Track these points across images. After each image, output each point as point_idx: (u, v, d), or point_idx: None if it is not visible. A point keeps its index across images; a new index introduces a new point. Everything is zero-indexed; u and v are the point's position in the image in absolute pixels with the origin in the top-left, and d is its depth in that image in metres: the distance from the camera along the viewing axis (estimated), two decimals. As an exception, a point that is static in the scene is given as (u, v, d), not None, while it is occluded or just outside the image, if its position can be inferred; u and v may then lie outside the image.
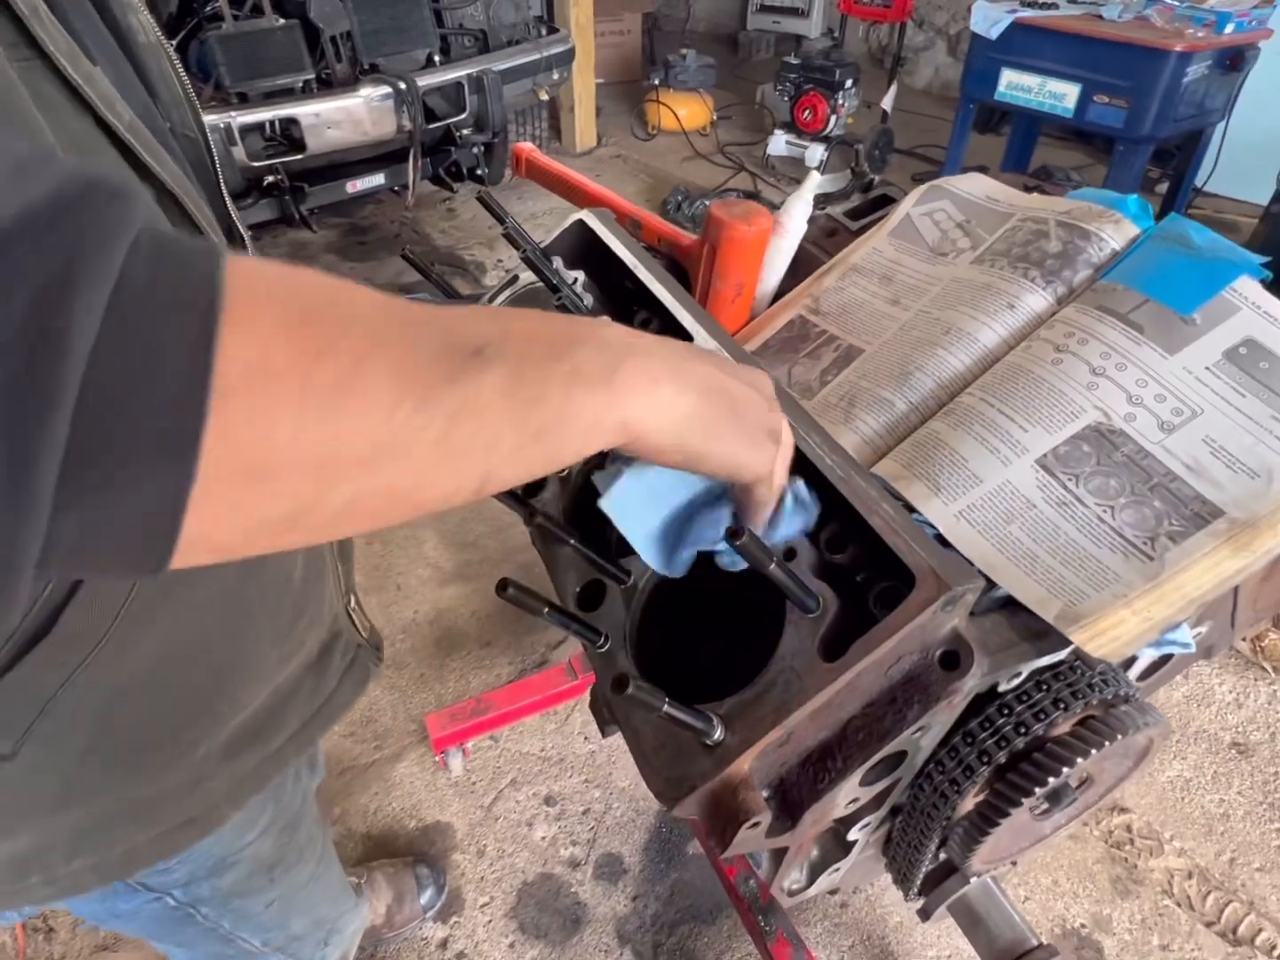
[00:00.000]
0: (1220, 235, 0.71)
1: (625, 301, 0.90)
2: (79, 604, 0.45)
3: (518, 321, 0.36)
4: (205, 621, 0.54)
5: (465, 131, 3.33)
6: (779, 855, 0.62)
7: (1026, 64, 3.03)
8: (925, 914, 0.76)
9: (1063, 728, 0.58)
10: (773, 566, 0.50)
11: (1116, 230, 0.75)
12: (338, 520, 0.30)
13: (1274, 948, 1.55)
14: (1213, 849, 1.70)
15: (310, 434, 0.27)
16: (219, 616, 0.55)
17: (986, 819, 0.59)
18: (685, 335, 0.76)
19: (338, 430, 0.28)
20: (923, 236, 0.87)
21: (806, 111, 4.33)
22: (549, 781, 1.78)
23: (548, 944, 1.53)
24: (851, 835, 0.64)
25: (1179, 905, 1.61)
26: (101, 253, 0.23)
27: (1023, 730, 0.56)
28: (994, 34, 3.04)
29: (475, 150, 3.50)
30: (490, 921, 1.56)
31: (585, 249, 0.94)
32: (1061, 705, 0.56)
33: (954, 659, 0.52)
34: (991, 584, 0.60)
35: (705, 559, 0.65)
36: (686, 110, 5.10)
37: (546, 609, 0.57)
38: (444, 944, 1.53)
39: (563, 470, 0.76)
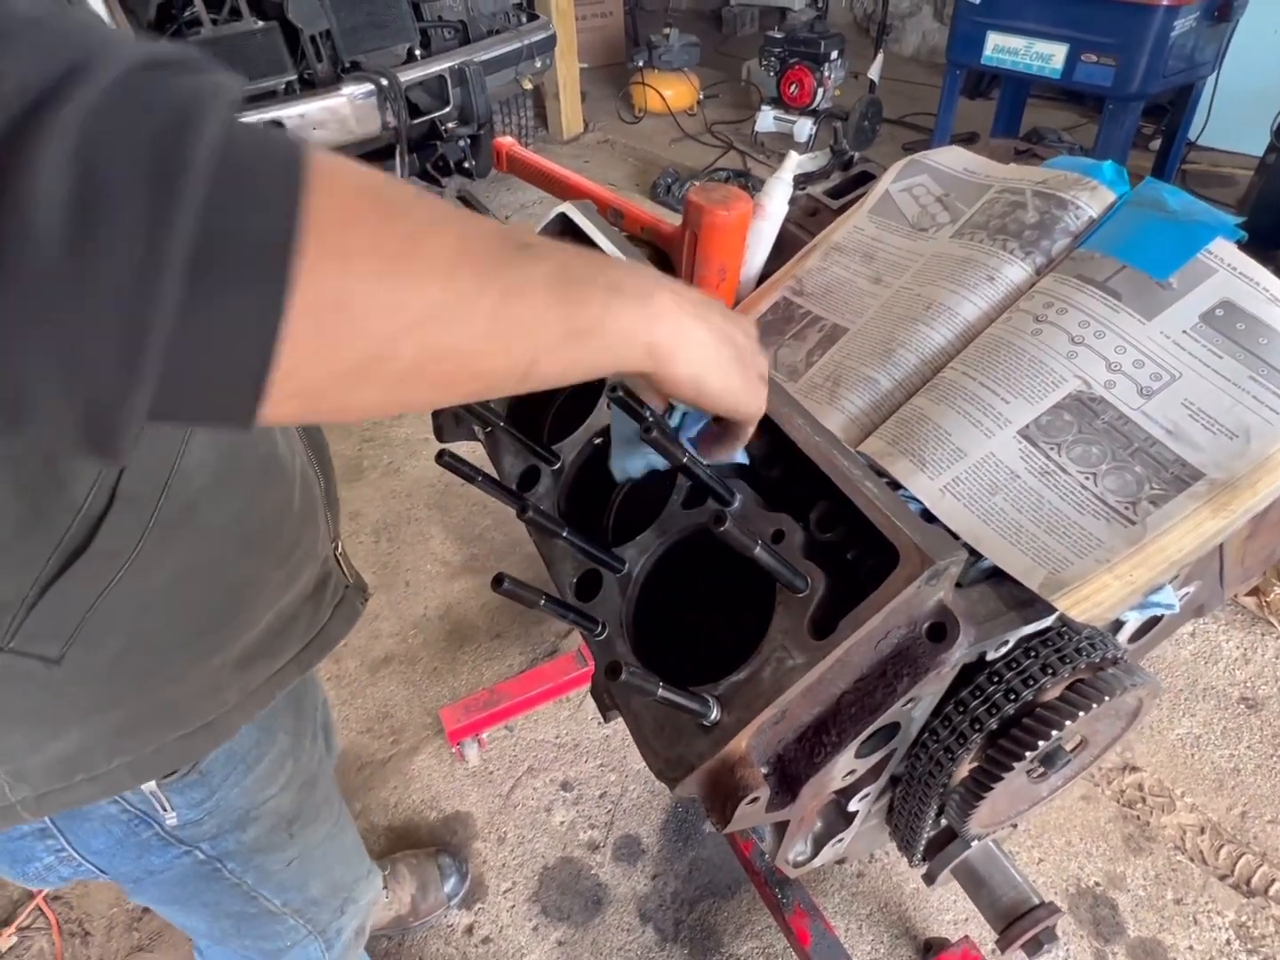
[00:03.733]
0: (1196, 198, 0.71)
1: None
2: (112, 523, 0.52)
3: (560, 245, 0.41)
4: (219, 543, 0.61)
5: (450, 125, 3.31)
6: (781, 829, 0.63)
7: (1012, 26, 2.99)
8: (930, 878, 0.77)
9: (1052, 692, 0.59)
10: (758, 550, 0.51)
11: (1093, 197, 0.76)
12: (408, 378, 0.34)
13: (1287, 897, 1.57)
14: (1224, 803, 1.72)
15: (383, 280, 0.31)
16: (231, 540, 0.62)
17: (981, 784, 0.60)
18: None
19: (406, 281, 0.32)
20: (902, 212, 0.87)
21: (793, 86, 4.29)
22: (565, 767, 1.81)
23: (571, 925, 1.56)
24: (852, 806, 0.65)
25: (1192, 860, 1.63)
26: (221, 99, 0.27)
27: (1012, 697, 0.57)
28: (978, -3, 3.00)
29: (461, 144, 3.49)
30: (513, 906, 1.59)
31: (569, 241, 0.94)
32: (1049, 671, 0.58)
33: (941, 631, 0.54)
34: (978, 555, 0.62)
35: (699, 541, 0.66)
36: (672, 91, 5.06)
37: (543, 600, 0.59)
38: (470, 930, 1.56)
39: (555, 462, 0.77)
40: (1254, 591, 1.99)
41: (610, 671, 0.47)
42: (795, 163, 0.97)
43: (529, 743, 1.86)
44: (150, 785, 0.66)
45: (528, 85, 3.62)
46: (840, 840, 0.69)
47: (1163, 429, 0.63)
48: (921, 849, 0.71)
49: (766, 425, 0.68)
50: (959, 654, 0.54)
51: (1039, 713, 0.58)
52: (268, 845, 0.81)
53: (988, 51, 3.09)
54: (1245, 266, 0.66)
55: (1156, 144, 3.85)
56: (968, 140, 4.19)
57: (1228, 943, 1.52)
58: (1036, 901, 0.92)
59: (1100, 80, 2.80)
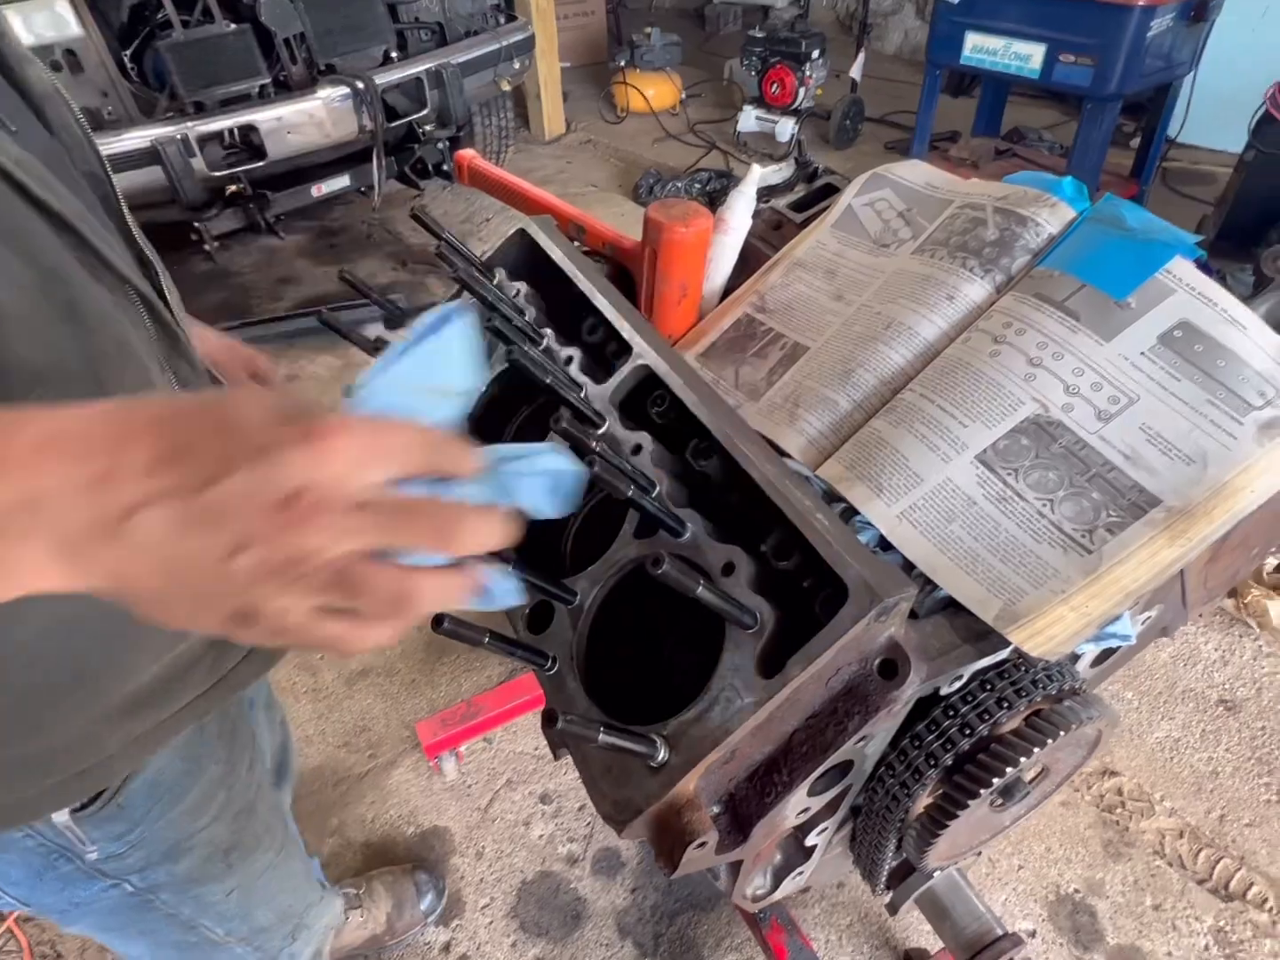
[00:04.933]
0: (1154, 215, 0.70)
1: (573, 309, 0.89)
2: None
3: None
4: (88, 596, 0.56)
5: (428, 128, 3.29)
6: (736, 866, 0.62)
7: (991, 26, 2.99)
8: (893, 909, 0.76)
9: (1009, 725, 0.58)
10: (700, 590, 0.50)
11: (1052, 214, 0.74)
12: None
13: (1265, 901, 1.58)
14: (1203, 807, 1.72)
15: None
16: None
17: (936, 821, 0.59)
18: (625, 344, 0.75)
19: None
20: (865, 227, 0.86)
21: (774, 85, 4.28)
22: (544, 780, 1.79)
23: (549, 941, 1.55)
24: (810, 840, 0.64)
25: (1170, 865, 1.63)
26: None
27: (967, 732, 0.56)
28: (956, -3, 3.00)
29: (440, 146, 3.46)
30: (491, 923, 1.58)
31: (528, 258, 0.92)
32: (1005, 705, 0.57)
33: (892, 668, 0.52)
34: (934, 585, 0.60)
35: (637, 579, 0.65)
36: (655, 90, 5.04)
37: (487, 638, 0.57)
38: (446, 948, 1.55)
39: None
40: (1232, 593, 1.99)
41: (546, 720, 0.46)
42: (758, 176, 0.95)
43: (508, 755, 1.84)
44: (63, 818, 0.64)
45: (506, 86, 3.59)
46: (800, 873, 0.68)
47: (1120, 454, 0.61)
48: (884, 879, 0.70)
49: (720, 451, 0.67)
50: (911, 691, 0.52)
51: (995, 748, 0.57)
52: (203, 876, 0.79)
53: (966, 51, 3.09)
54: (1204, 286, 0.65)
55: (1136, 141, 3.86)
56: (949, 139, 4.18)
57: (1206, 948, 1.52)
58: (1000, 933, 0.91)
59: (1078, 80, 2.80)
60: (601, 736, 0.49)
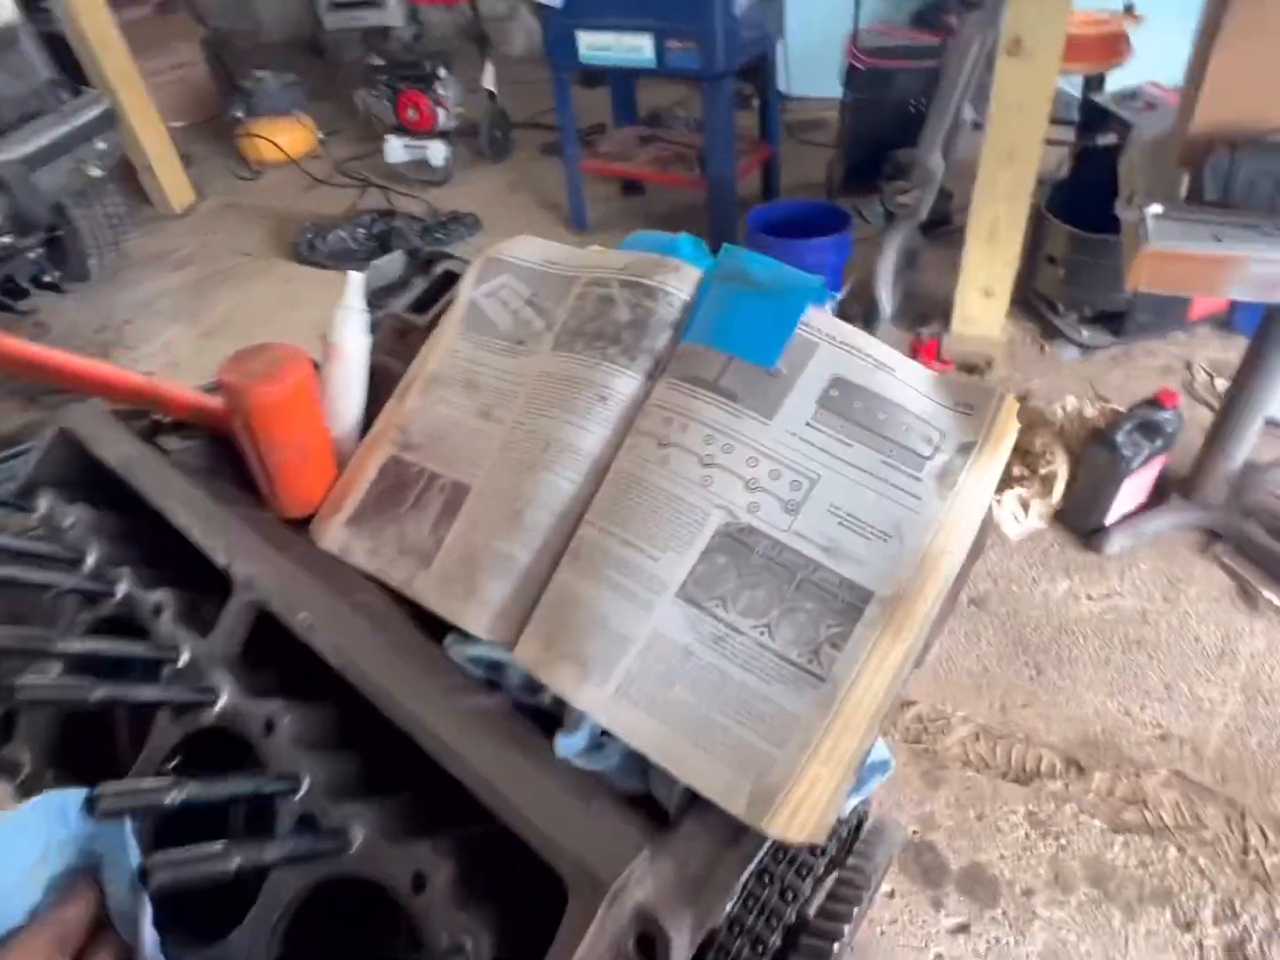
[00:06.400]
0: (776, 261, 0.64)
1: (157, 525, 0.68)
2: None
3: None
4: None
5: (6, 240, 2.71)
6: None
7: (598, 24, 3.03)
8: None
9: (814, 904, 0.51)
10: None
11: (679, 278, 0.67)
12: None
13: (1054, 768, 1.75)
14: (984, 704, 1.88)
15: None
16: None
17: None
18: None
19: None
20: (494, 324, 0.74)
21: (410, 110, 4.10)
22: None
23: None
24: None
25: (978, 771, 1.76)
26: None
27: (760, 949, 0.47)
28: (558, 1, 3.00)
29: (33, 255, 2.89)
30: None
31: (81, 466, 0.70)
32: (790, 895, 0.48)
33: (650, 945, 0.41)
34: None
35: None
36: (286, 137, 4.63)
37: None
38: None
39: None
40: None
41: None
42: (359, 284, 0.80)
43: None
44: None
45: (98, 171, 3.06)
46: None
47: (818, 547, 0.55)
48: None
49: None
50: (683, 955, 0.42)
51: (803, 942, 0.49)
52: None
53: (583, 50, 3.11)
54: (844, 334, 0.60)
55: (757, 103, 4.17)
56: (598, 130, 4.25)
57: (1026, 835, 1.65)
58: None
59: (689, 64, 2.93)
60: None
